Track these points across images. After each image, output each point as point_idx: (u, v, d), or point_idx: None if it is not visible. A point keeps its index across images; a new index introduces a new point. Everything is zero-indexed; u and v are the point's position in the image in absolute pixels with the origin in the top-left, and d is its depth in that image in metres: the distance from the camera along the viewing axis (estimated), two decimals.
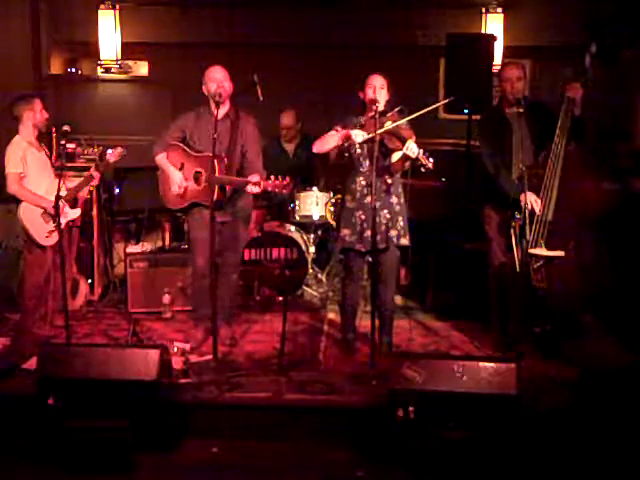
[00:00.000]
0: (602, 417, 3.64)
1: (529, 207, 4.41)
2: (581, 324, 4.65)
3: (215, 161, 4.43)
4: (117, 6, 7.11)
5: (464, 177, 6.13)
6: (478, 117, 5.39)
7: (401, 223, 4.60)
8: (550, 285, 4.50)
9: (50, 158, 4.93)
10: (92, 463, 3.61)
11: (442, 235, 5.85)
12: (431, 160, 4.29)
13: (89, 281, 5.83)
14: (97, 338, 5.04)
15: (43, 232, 4.72)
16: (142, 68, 7.18)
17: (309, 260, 5.95)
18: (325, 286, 6.08)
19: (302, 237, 6.03)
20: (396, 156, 4.49)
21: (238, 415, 3.98)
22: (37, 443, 3.75)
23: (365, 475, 3.57)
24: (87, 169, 5.22)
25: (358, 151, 4.58)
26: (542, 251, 4.48)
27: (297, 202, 6.00)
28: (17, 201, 4.74)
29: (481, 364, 3.64)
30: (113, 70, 7.06)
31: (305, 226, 6.12)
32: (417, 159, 4.30)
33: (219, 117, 4.51)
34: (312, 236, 6.14)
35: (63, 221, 4.60)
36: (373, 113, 4.31)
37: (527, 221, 4.37)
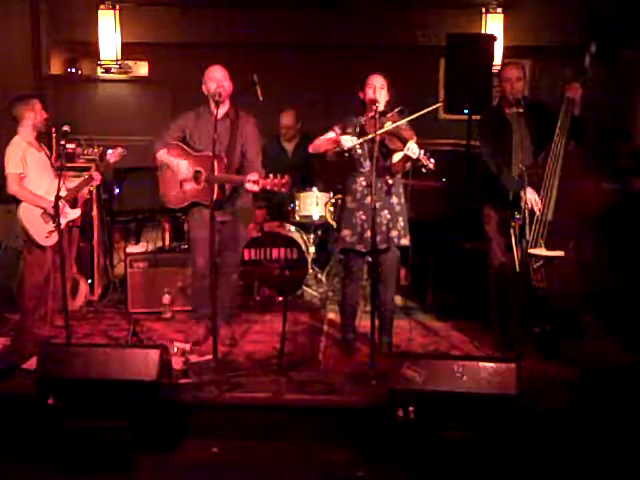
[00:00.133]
0: (602, 417, 3.64)
1: (529, 206, 4.41)
2: (581, 324, 4.65)
3: (215, 161, 4.43)
4: (117, 6, 7.12)
5: (464, 177, 6.13)
6: (478, 117, 5.39)
7: (402, 223, 4.60)
8: (550, 285, 4.50)
9: (50, 158, 4.93)
10: (92, 463, 3.61)
11: (442, 235, 5.86)
12: (432, 161, 4.29)
13: (89, 281, 5.83)
14: (97, 338, 5.04)
15: (43, 232, 4.72)
16: (142, 68, 7.19)
17: (309, 260, 5.95)
18: (325, 286, 6.08)
19: (302, 237, 6.03)
20: (397, 157, 4.49)
21: (238, 415, 3.98)
22: (37, 443, 3.75)
23: (365, 475, 3.57)
24: (87, 169, 5.22)
25: (359, 151, 4.58)
26: (542, 251, 4.48)
27: (297, 202, 6.00)
28: (17, 201, 4.74)
29: (481, 364, 3.64)
30: (113, 70, 7.07)
31: (305, 226, 6.12)
32: (418, 160, 4.30)
33: (219, 117, 4.51)
34: (312, 236, 6.14)
35: (63, 221, 4.60)
36: (373, 113, 4.31)
37: (527, 221, 4.37)
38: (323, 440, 3.83)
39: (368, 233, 4.44)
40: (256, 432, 3.93)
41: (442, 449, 3.54)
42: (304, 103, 6.63)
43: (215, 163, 4.44)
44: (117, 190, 6.19)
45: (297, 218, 6.02)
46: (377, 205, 4.40)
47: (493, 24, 7.06)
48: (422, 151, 4.30)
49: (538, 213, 4.48)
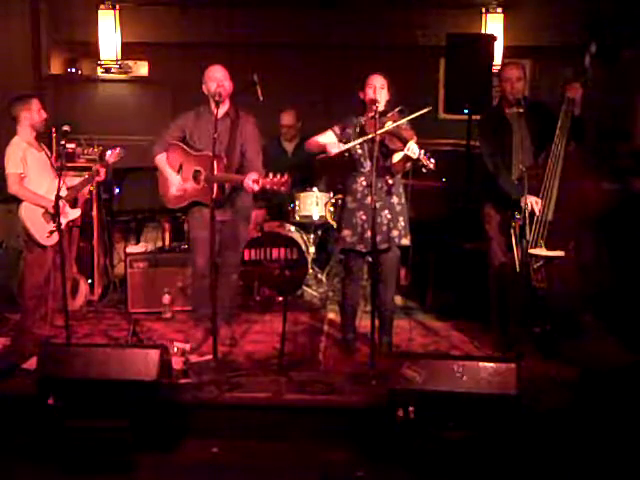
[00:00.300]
0: (602, 417, 3.64)
1: (529, 207, 4.41)
2: (581, 324, 4.65)
3: (214, 160, 4.43)
4: (117, 6, 7.12)
5: (464, 177, 6.13)
6: (478, 117, 5.39)
7: (402, 223, 4.60)
8: (550, 285, 4.50)
9: (50, 158, 4.94)
10: (92, 463, 3.61)
11: (442, 235, 5.85)
12: (432, 161, 4.29)
13: (89, 281, 5.83)
14: (97, 338, 5.04)
15: (44, 232, 4.72)
16: (142, 68, 7.19)
17: (309, 260, 5.95)
18: (325, 286, 6.07)
19: (302, 237, 6.03)
20: (397, 157, 4.49)
21: (238, 415, 3.98)
22: (37, 443, 3.75)
23: (365, 475, 3.57)
24: (87, 169, 5.22)
25: (359, 152, 4.58)
26: (542, 251, 4.48)
27: (297, 202, 6.00)
28: (18, 201, 4.74)
29: (481, 364, 3.64)
30: (113, 70, 7.06)
31: (305, 226, 6.12)
32: (418, 160, 4.30)
33: (219, 116, 4.51)
34: (312, 236, 6.14)
35: (63, 221, 4.61)
36: (373, 113, 4.31)
37: (527, 221, 4.37)
38: (323, 440, 3.83)
39: (368, 233, 4.44)
40: (256, 432, 3.92)
41: (442, 449, 3.54)
42: (304, 103, 6.63)
43: (215, 163, 4.44)
44: (117, 190, 6.19)
45: (297, 218, 6.02)
46: (377, 205, 4.40)
47: (493, 24, 7.05)
48: (422, 151, 4.30)
49: (538, 213, 4.49)
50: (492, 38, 6.36)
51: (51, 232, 4.69)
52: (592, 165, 4.68)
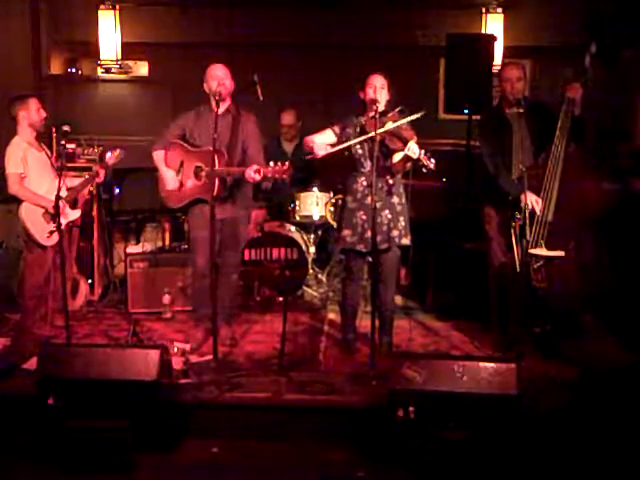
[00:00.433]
0: (602, 417, 3.64)
1: (529, 208, 4.41)
2: (581, 324, 4.65)
3: (215, 155, 4.43)
4: (117, 6, 7.11)
5: (464, 177, 6.13)
6: (478, 117, 5.39)
7: (402, 223, 4.60)
8: (550, 285, 4.50)
9: (50, 158, 4.94)
10: (92, 463, 3.61)
11: (442, 235, 5.85)
12: (432, 161, 4.29)
13: (89, 281, 5.83)
14: (97, 338, 5.04)
15: (44, 232, 4.72)
16: (142, 68, 7.18)
17: (309, 260, 5.95)
18: (325, 286, 6.07)
19: (302, 237, 6.03)
20: (397, 157, 4.49)
21: (238, 415, 3.98)
22: (37, 443, 3.75)
23: (365, 475, 3.57)
24: (87, 169, 5.22)
25: (359, 152, 4.58)
26: (542, 251, 4.48)
27: (297, 202, 6.00)
28: (18, 201, 4.75)
29: (481, 364, 3.65)
30: (113, 70, 7.06)
31: (305, 226, 6.12)
32: (418, 160, 4.30)
33: (220, 114, 4.50)
34: (312, 236, 6.14)
35: (63, 221, 4.61)
36: (373, 113, 4.31)
37: (527, 221, 4.37)
38: (323, 440, 3.84)
39: (368, 233, 4.44)
40: (256, 432, 3.93)
41: (442, 449, 3.54)
42: (304, 103, 6.63)
43: (216, 157, 4.44)
44: (117, 190, 6.19)
45: (297, 218, 6.02)
46: (378, 205, 4.40)
47: (493, 24, 7.04)
48: (422, 151, 4.30)
49: (539, 213, 4.49)
50: (492, 38, 6.35)
51: (51, 232, 4.69)
52: (592, 165, 4.68)
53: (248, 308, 5.66)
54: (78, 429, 3.63)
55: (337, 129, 4.62)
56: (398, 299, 5.56)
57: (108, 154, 5.00)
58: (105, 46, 7.10)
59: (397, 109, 4.50)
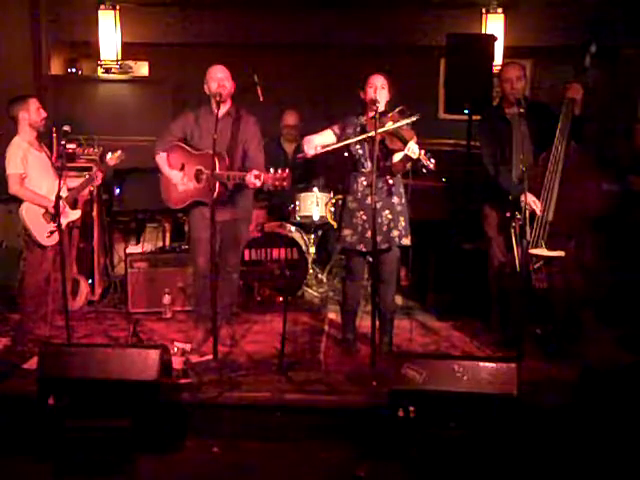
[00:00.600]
0: (602, 417, 3.64)
1: (529, 209, 4.41)
2: (581, 323, 4.65)
3: (216, 158, 4.43)
4: (117, 6, 7.11)
5: (464, 177, 6.13)
6: (478, 117, 5.39)
7: (403, 223, 4.60)
8: (550, 285, 4.50)
9: (50, 158, 4.94)
10: (92, 463, 3.61)
11: (442, 235, 5.85)
12: (432, 161, 4.29)
13: (89, 281, 5.83)
14: (97, 338, 5.04)
15: (44, 232, 4.72)
16: (142, 68, 7.18)
17: (309, 260, 5.95)
18: (325, 286, 6.07)
19: (302, 237, 6.03)
20: (397, 157, 4.49)
21: (238, 415, 3.98)
22: (37, 443, 3.75)
23: (365, 475, 3.57)
24: (87, 169, 5.22)
25: (360, 152, 4.58)
26: (542, 251, 4.48)
27: (297, 202, 5.99)
28: (18, 201, 4.75)
29: (481, 364, 3.65)
30: (113, 70, 7.06)
31: (305, 226, 6.12)
32: (418, 160, 4.29)
33: (220, 115, 4.51)
34: (312, 236, 6.14)
35: (64, 221, 4.61)
36: (373, 113, 4.31)
37: (527, 221, 4.37)
38: (323, 440, 3.84)
39: (369, 233, 4.44)
40: (256, 432, 3.93)
41: (443, 449, 3.54)
42: (304, 103, 6.63)
43: (216, 161, 4.44)
44: (117, 190, 6.18)
45: (297, 218, 6.01)
46: (378, 205, 4.40)
47: (493, 24, 7.04)
48: (422, 151, 4.30)
49: (539, 213, 4.49)
50: (492, 38, 6.35)
51: (51, 232, 4.70)
52: (592, 165, 4.68)
53: (248, 308, 5.65)
54: (78, 429, 3.64)
55: (337, 129, 4.62)
56: (398, 299, 5.56)
57: (108, 154, 5.00)
58: (105, 46, 7.10)
59: (397, 109, 4.49)
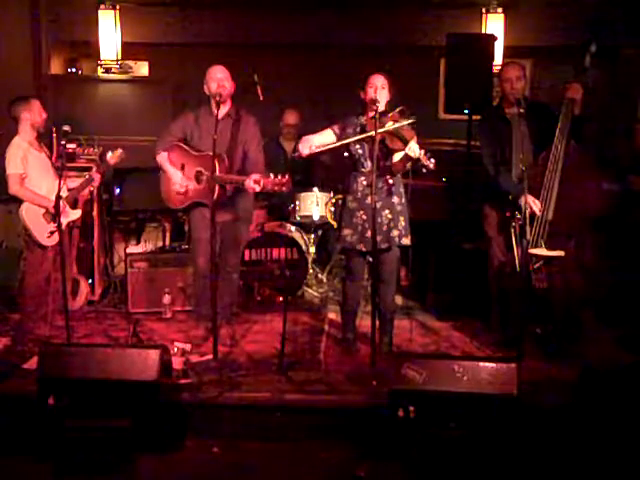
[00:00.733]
0: (602, 417, 3.64)
1: (529, 210, 4.40)
2: (581, 323, 4.65)
3: (216, 160, 4.44)
4: (117, 6, 7.11)
5: (464, 177, 6.13)
6: (478, 117, 5.39)
7: (403, 223, 4.60)
8: (550, 285, 4.50)
9: (50, 158, 4.94)
10: (92, 463, 3.61)
11: (442, 235, 5.85)
12: (432, 160, 4.29)
13: (89, 281, 5.83)
14: (97, 338, 5.04)
15: (44, 232, 4.73)
16: (142, 68, 7.18)
17: (309, 260, 5.95)
18: (325, 286, 6.08)
19: (302, 237, 6.03)
20: (397, 156, 4.49)
21: (238, 415, 3.98)
22: (37, 443, 3.75)
23: (365, 475, 3.57)
24: (88, 169, 5.22)
25: (360, 151, 4.58)
26: (542, 251, 4.48)
27: (297, 202, 5.99)
28: (18, 201, 4.75)
29: (481, 364, 3.65)
30: (113, 70, 7.06)
31: (305, 226, 6.12)
32: (418, 160, 4.29)
33: (220, 116, 4.51)
34: (312, 236, 6.14)
35: (64, 221, 4.61)
36: (373, 113, 4.31)
37: (527, 221, 4.37)
38: (323, 440, 3.84)
39: (369, 233, 4.44)
40: (256, 432, 3.93)
41: (442, 449, 3.54)
42: (304, 103, 6.63)
43: (216, 163, 4.45)
44: (117, 190, 6.18)
45: (297, 218, 6.02)
46: (378, 205, 4.40)
47: (493, 24, 7.04)
48: (422, 151, 4.29)
49: (539, 213, 4.49)
50: (492, 38, 6.35)
51: (51, 232, 4.70)
52: (592, 165, 4.68)
53: (248, 308, 5.65)
54: (78, 429, 3.63)
55: (337, 129, 4.61)
56: (398, 299, 5.56)
57: (109, 153, 5.00)
58: (105, 46, 7.10)
59: (397, 109, 4.49)
